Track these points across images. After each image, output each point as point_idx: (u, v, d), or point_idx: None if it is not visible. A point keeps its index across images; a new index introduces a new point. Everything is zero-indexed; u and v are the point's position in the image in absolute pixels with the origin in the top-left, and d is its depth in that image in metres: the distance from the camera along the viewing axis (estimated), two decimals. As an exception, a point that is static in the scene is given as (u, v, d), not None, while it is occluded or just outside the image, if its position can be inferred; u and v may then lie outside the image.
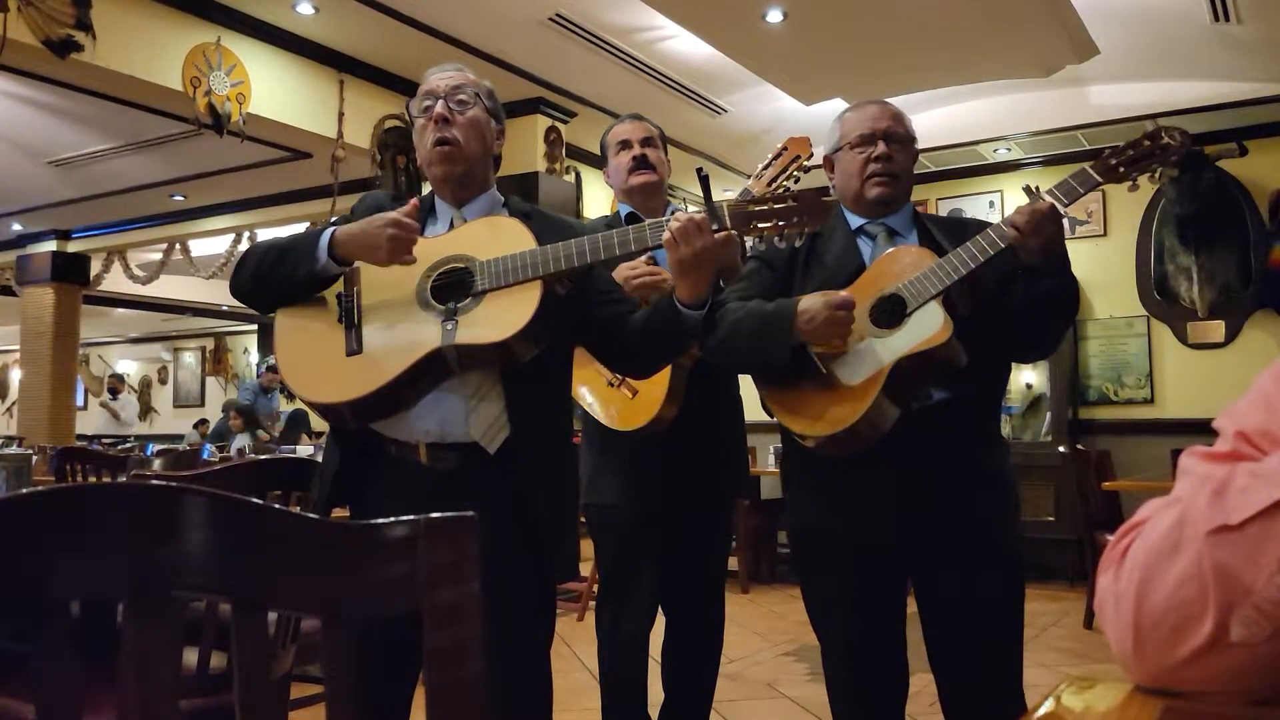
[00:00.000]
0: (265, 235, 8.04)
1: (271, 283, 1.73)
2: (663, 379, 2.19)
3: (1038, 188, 1.76)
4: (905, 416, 1.78)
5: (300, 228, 7.65)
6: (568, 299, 1.68)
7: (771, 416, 1.92)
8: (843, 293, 1.78)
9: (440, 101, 1.74)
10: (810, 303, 1.79)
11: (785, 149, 2.43)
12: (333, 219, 1.87)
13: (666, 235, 1.61)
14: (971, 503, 1.81)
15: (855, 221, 1.98)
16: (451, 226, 1.77)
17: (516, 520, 1.64)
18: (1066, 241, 1.81)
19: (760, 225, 1.62)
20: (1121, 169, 1.75)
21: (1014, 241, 1.73)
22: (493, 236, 1.68)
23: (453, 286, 1.65)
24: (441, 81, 1.78)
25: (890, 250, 1.88)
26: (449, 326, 1.60)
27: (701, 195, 1.67)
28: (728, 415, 2.40)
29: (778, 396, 1.90)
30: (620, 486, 2.30)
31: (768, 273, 2.00)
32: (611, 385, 2.27)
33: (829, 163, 2.04)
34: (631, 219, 2.31)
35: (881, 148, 1.93)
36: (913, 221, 1.99)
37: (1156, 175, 6.00)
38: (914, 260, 1.81)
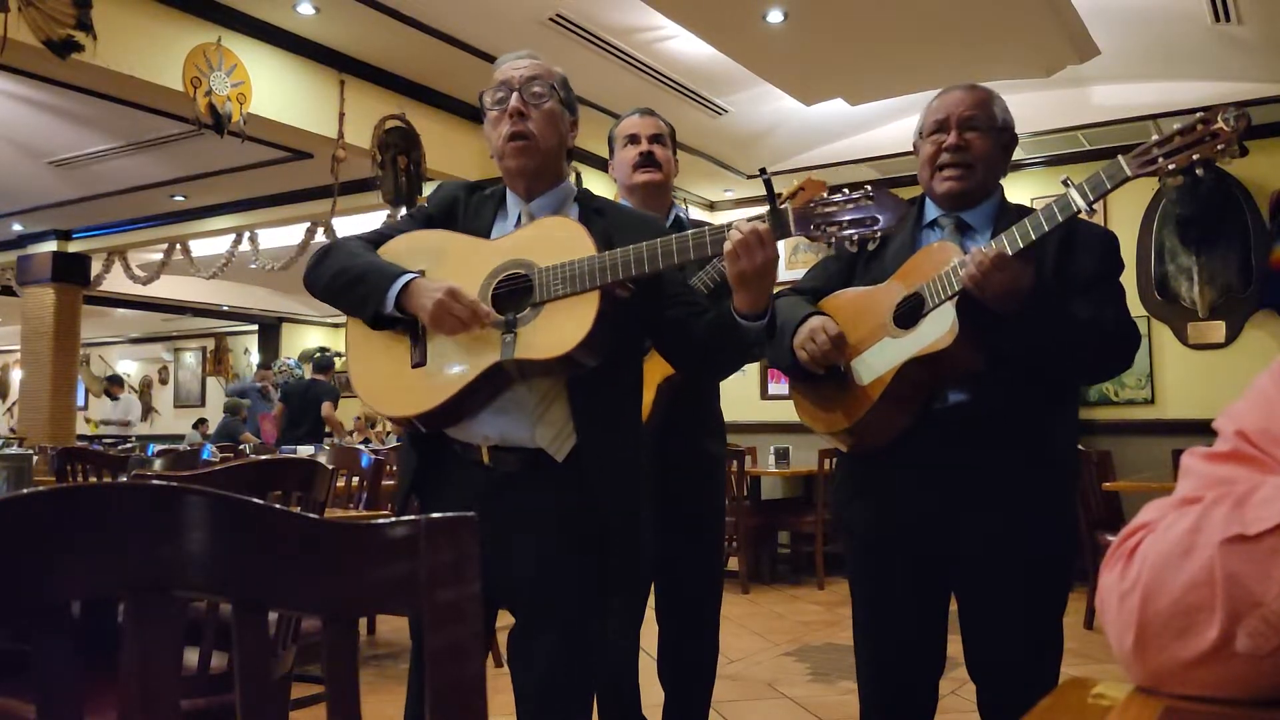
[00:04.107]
0: (265, 235, 8.06)
1: (340, 305, 1.75)
2: (648, 397, 2.20)
3: (1067, 180, 1.62)
4: (926, 416, 1.78)
5: (300, 229, 7.72)
6: (640, 298, 1.65)
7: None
8: (829, 330, 1.78)
9: (515, 94, 1.71)
10: (807, 325, 1.82)
11: (802, 189, 2.31)
12: (413, 211, 1.86)
13: (728, 246, 1.53)
14: (993, 505, 1.74)
15: (932, 214, 1.91)
16: (519, 222, 1.76)
17: (577, 525, 1.64)
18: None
19: (828, 229, 1.54)
20: (1162, 159, 1.54)
21: (969, 289, 1.64)
22: (553, 241, 1.64)
23: (514, 295, 1.64)
24: (516, 72, 1.74)
25: (927, 245, 1.84)
26: (508, 339, 1.59)
27: (767, 198, 1.59)
28: (704, 434, 2.41)
29: (803, 391, 1.93)
30: None
31: (835, 264, 1.99)
32: None
33: (916, 149, 1.95)
34: None
35: (953, 137, 1.82)
36: (995, 217, 1.86)
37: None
38: (942, 257, 1.75)
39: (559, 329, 1.57)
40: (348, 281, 1.71)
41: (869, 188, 1.55)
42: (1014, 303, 1.64)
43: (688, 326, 1.71)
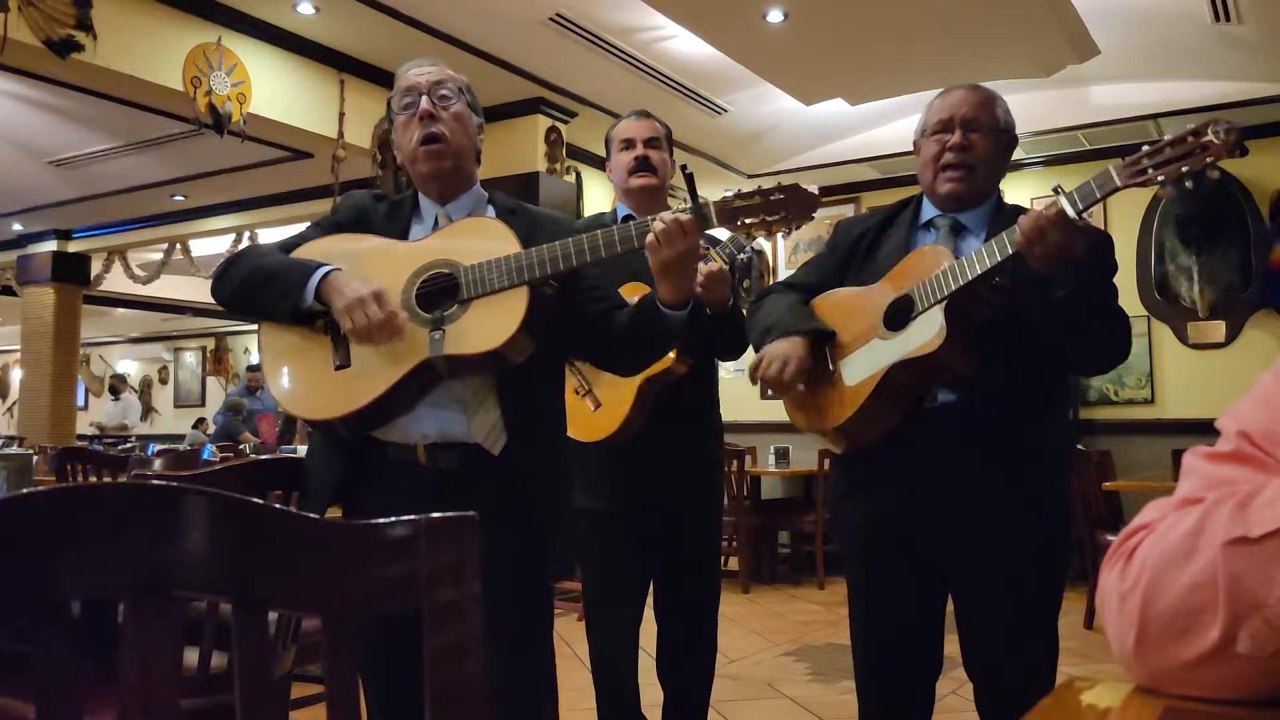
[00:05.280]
0: (265, 235, 8.04)
1: (254, 306, 1.70)
2: (628, 395, 2.20)
3: (1058, 187, 1.62)
4: (918, 415, 1.78)
5: (301, 228, 7.68)
6: (555, 296, 1.67)
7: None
8: (793, 370, 1.80)
9: (424, 97, 1.72)
10: (778, 349, 1.83)
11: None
12: (319, 220, 1.85)
13: (650, 237, 1.58)
14: (985, 503, 1.75)
15: (929, 214, 1.91)
16: (436, 225, 1.75)
17: (514, 520, 1.64)
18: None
19: (747, 221, 1.60)
20: (1151, 170, 1.53)
21: (1019, 248, 1.62)
22: (476, 239, 1.65)
23: (438, 294, 1.63)
24: (422, 77, 1.75)
25: (918, 248, 1.85)
26: (436, 336, 1.59)
27: (687, 192, 1.64)
28: (701, 437, 2.41)
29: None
30: (592, 491, 2.30)
31: (829, 260, 2.00)
32: (577, 394, 2.25)
33: (916, 148, 1.94)
34: (628, 221, 2.32)
35: (957, 137, 1.82)
36: (991, 219, 1.86)
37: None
38: (933, 261, 1.76)
39: (488, 325, 1.58)
40: (262, 280, 1.67)
41: (783, 183, 1.61)
42: (1062, 266, 1.62)
43: (607, 320, 1.74)
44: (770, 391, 1.84)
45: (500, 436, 1.65)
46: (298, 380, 1.69)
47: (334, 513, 1.75)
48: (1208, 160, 1.49)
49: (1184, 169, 1.51)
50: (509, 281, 1.59)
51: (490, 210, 1.79)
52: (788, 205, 1.59)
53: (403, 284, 1.64)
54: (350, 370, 1.63)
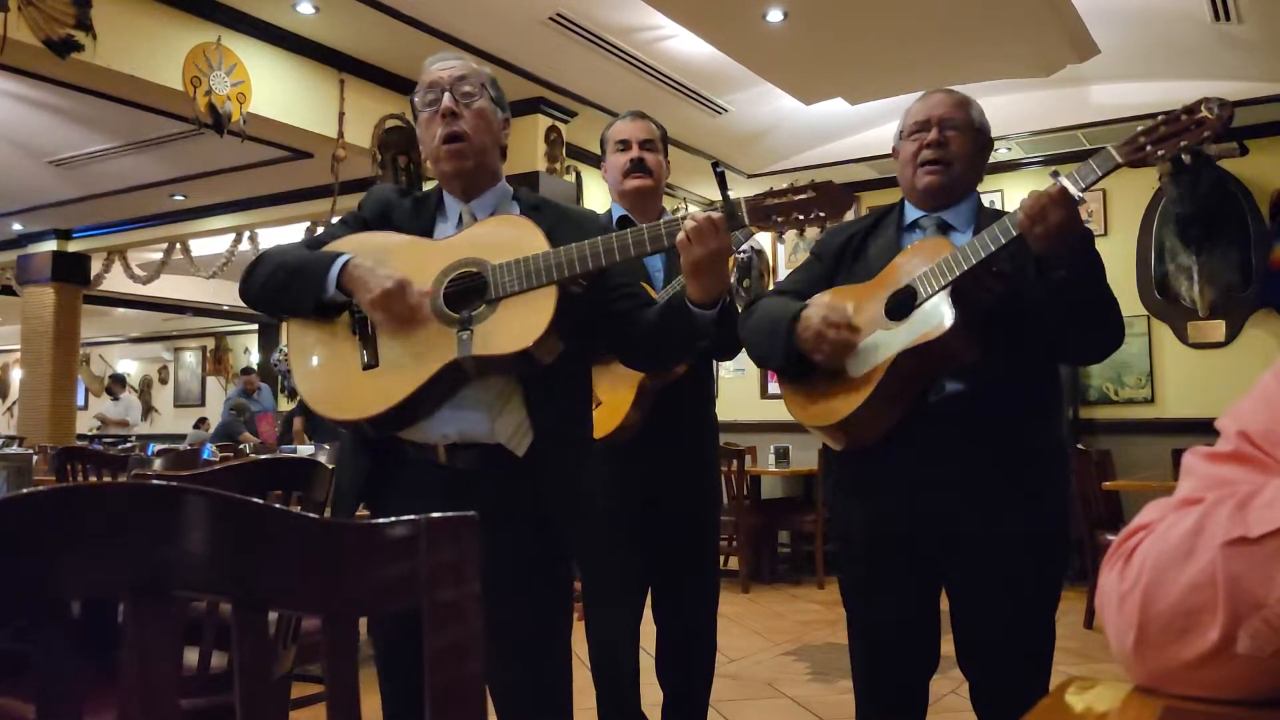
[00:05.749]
0: (265, 235, 8.07)
1: (280, 303, 1.71)
2: (629, 395, 2.20)
3: (1056, 172, 1.64)
4: (921, 407, 1.78)
5: (300, 228, 7.70)
6: (589, 292, 1.66)
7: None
8: (836, 314, 1.78)
9: (446, 94, 1.70)
10: (809, 313, 1.82)
11: None
12: (335, 219, 1.85)
13: (681, 235, 1.56)
14: (987, 496, 1.76)
15: (913, 215, 1.94)
16: (460, 223, 1.74)
17: (533, 521, 1.64)
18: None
19: (778, 219, 1.59)
20: (1150, 147, 1.57)
21: (1021, 228, 1.64)
22: (504, 237, 1.64)
23: (466, 293, 1.62)
24: (445, 72, 1.73)
25: (914, 243, 1.86)
26: (464, 336, 1.57)
27: (719, 191, 1.63)
28: (699, 437, 2.41)
29: (792, 385, 1.93)
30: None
31: (817, 266, 2.01)
32: None
33: (895, 153, 1.98)
34: (624, 223, 2.32)
35: (934, 134, 1.86)
36: (974, 217, 1.90)
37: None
38: (932, 252, 1.78)
39: (517, 325, 1.56)
40: (286, 276, 1.68)
41: (815, 180, 1.60)
42: (1062, 248, 1.63)
43: (634, 318, 1.73)
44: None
45: (526, 437, 1.64)
46: (325, 380, 1.68)
47: (362, 513, 1.75)
48: (1204, 135, 1.53)
49: (1182, 143, 1.55)
50: (538, 281, 1.57)
51: (514, 207, 1.78)
52: (820, 203, 1.58)
53: (430, 282, 1.63)
54: (378, 370, 1.62)
